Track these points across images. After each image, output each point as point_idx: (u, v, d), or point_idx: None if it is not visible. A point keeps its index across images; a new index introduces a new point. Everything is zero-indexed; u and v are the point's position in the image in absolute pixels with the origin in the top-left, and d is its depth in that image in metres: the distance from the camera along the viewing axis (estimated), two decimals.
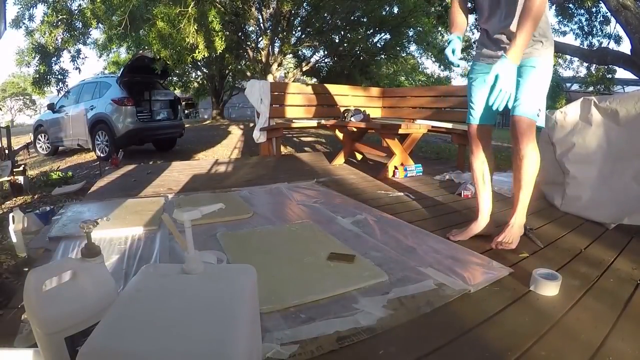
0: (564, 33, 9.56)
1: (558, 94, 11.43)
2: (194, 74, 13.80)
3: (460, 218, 1.88)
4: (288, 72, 14.04)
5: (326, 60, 12.11)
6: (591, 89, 9.67)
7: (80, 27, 6.86)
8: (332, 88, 4.78)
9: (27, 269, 1.36)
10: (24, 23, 6.71)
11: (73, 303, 0.72)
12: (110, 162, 3.95)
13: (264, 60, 10.01)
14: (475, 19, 10.76)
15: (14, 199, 3.44)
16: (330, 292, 1.09)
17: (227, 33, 7.78)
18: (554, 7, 8.61)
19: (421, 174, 3.03)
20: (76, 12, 6.69)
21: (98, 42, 8.83)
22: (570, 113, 2.00)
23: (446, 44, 1.71)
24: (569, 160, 1.98)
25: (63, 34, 6.75)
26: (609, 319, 0.98)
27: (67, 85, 6.95)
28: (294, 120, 4.48)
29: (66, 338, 0.71)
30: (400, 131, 2.96)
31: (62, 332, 0.70)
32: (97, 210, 1.98)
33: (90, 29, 6.98)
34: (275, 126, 4.17)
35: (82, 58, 7.16)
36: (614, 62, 6.56)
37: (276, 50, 10.17)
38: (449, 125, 3.43)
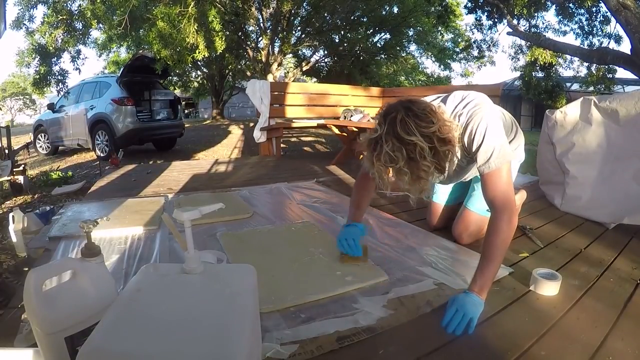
0: (564, 33, 9.58)
1: (558, 93, 11.42)
2: (194, 74, 13.80)
3: None
4: (288, 72, 14.05)
5: (326, 60, 12.12)
6: (591, 88, 9.68)
7: (81, 27, 6.86)
8: (332, 88, 4.78)
9: (27, 269, 1.36)
10: (24, 24, 6.71)
11: (73, 303, 0.72)
12: (110, 162, 3.95)
13: (264, 60, 10.02)
14: (476, 18, 10.72)
15: (14, 198, 3.44)
16: (330, 292, 1.09)
17: (227, 33, 7.78)
18: (554, 6, 8.62)
19: None
20: (76, 12, 6.69)
21: (98, 42, 8.84)
22: (570, 113, 2.00)
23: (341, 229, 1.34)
24: (569, 160, 1.98)
25: (63, 35, 6.74)
26: (609, 319, 0.98)
27: (67, 86, 6.94)
28: (294, 120, 4.47)
29: (66, 338, 0.71)
30: None
31: (62, 332, 0.70)
32: (97, 210, 1.98)
33: (91, 29, 6.98)
34: (275, 126, 4.17)
35: (82, 58, 7.17)
36: (614, 61, 6.56)
37: (276, 50, 10.17)
38: None
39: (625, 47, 10.02)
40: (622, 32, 7.19)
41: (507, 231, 1.01)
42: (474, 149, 1.09)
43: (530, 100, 12.61)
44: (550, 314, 1.00)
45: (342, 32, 10.68)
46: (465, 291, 0.99)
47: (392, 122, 0.92)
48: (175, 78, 12.81)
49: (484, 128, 1.07)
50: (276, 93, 4.22)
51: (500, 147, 1.06)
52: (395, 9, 9.97)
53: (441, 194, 1.67)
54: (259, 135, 4.26)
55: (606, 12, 7.64)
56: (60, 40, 6.79)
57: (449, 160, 0.99)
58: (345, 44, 10.87)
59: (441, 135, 0.94)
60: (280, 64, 10.63)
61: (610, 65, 8.12)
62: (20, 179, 3.47)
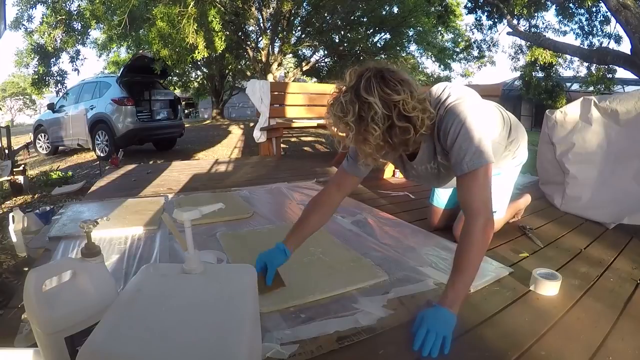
0: (564, 33, 9.60)
1: (558, 93, 11.43)
2: (194, 74, 13.80)
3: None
4: (288, 72, 14.05)
5: (326, 60, 12.11)
6: (591, 88, 9.70)
7: (79, 28, 6.86)
8: (332, 88, 4.77)
9: (27, 269, 1.36)
10: (22, 24, 6.71)
11: (73, 303, 0.72)
12: (110, 162, 3.96)
13: (264, 59, 10.02)
14: (476, 18, 10.69)
15: (14, 198, 3.44)
16: (330, 292, 1.09)
17: (227, 33, 7.78)
18: (554, 6, 8.62)
19: None
20: (75, 13, 6.69)
21: (98, 42, 8.84)
22: (570, 113, 2.00)
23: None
24: (569, 160, 1.98)
25: (62, 35, 6.74)
26: (609, 319, 0.98)
27: (65, 87, 6.93)
28: (294, 120, 4.47)
29: (66, 338, 0.71)
30: None
31: (62, 332, 0.70)
32: (97, 210, 1.98)
33: (90, 29, 6.98)
34: (275, 126, 4.16)
35: (81, 59, 7.17)
36: (614, 61, 6.57)
37: (276, 50, 10.17)
38: None
39: (625, 47, 10.01)
40: (622, 32, 7.20)
41: (482, 242, 0.92)
42: (448, 145, 1.01)
43: (530, 100, 12.62)
44: (551, 314, 1.00)
45: (342, 32, 10.66)
46: (435, 305, 0.91)
47: (358, 79, 0.91)
48: (175, 78, 12.81)
49: (460, 123, 0.98)
50: (276, 93, 4.22)
51: (476, 146, 0.96)
52: (395, 9, 9.96)
53: (441, 198, 1.66)
54: (259, 135, 4.26)
55: (606, 12, 7.65)
56: (59, 41, 6.79)
57: (404, 143, 0.93)
58: (345, 44, 10.86)
59: (403, 110, 0.88)
60: (280, 64, 10.63)
61: (610, 65, 8.13)
62: (20, 179, 3.48)
